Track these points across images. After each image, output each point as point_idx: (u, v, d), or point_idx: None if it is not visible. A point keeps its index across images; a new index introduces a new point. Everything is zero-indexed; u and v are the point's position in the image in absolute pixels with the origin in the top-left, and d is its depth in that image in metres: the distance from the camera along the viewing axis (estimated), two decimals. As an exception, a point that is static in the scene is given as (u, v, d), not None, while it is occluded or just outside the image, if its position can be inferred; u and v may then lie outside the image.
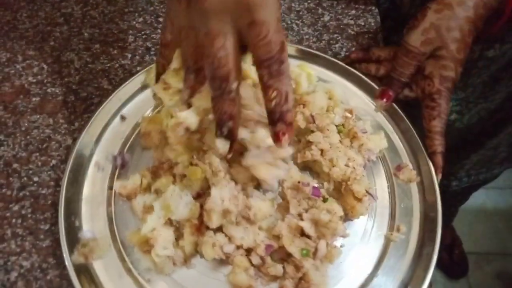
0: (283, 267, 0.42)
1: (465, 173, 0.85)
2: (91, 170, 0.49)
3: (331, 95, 0.51)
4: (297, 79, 0.52)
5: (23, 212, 0.48)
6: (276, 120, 0.35)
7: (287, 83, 0.34)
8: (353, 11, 0.66)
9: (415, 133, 0.52)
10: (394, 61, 0.53)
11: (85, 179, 0.48)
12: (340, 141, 0.48)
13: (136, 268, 0.43)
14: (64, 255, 0.42)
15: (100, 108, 0.51)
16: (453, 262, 1.32)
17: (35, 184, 0.50)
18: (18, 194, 0.49)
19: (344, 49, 0.62)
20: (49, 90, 0.57)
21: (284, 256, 0.42)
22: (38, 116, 0.55)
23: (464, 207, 1.26)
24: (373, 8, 0.66)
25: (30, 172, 0.50)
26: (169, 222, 0.43)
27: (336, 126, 0.49)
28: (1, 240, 0.46)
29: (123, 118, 0.52)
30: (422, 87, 0.51)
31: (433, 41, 0.50)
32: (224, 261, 0.42)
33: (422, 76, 0.52)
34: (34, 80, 0.58)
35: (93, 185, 0.48)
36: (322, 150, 0.46)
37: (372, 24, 0.64)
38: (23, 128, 0.54)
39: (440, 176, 0.48)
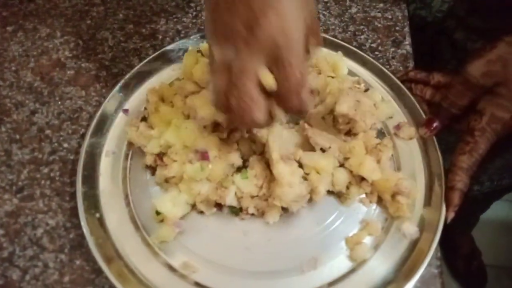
0: None
1: (487, 178, 0.83)
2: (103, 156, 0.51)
3: (336, 67, 0.54)
4: None
5: (52, 174, 0.51)
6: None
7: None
8: (381, 5, 0.66)
9: (407, 93, 0.54)
10: (447, 89, 0.49)
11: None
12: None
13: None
14: (81, 218, 0.45)
15: (126, 77, 0.56)
16: (471, 274, 1.28)
17: (65, 150, 0.52)
18: (48, 158, 0.52)
19: (369, 41, 0.62)
20: (83, 65, 0.60)
21: None
22: (71, 88, 0.58)
23: (487, 219, 1.23)
24: (402, 2, 0.66)
25: (61, 138, 0.53)
26: None
27: None
28: (30, 199, 0.49)
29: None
30: (469, 121, 0.47)
31: (496, 74, 0.45)
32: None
33: (473, 110, 0.47)
34: (70, 55, 0.61)
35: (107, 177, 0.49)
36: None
37: (400, 18, 0.65)
38: (57, 98, 0.57)
39: (451, 215, 0.44)
